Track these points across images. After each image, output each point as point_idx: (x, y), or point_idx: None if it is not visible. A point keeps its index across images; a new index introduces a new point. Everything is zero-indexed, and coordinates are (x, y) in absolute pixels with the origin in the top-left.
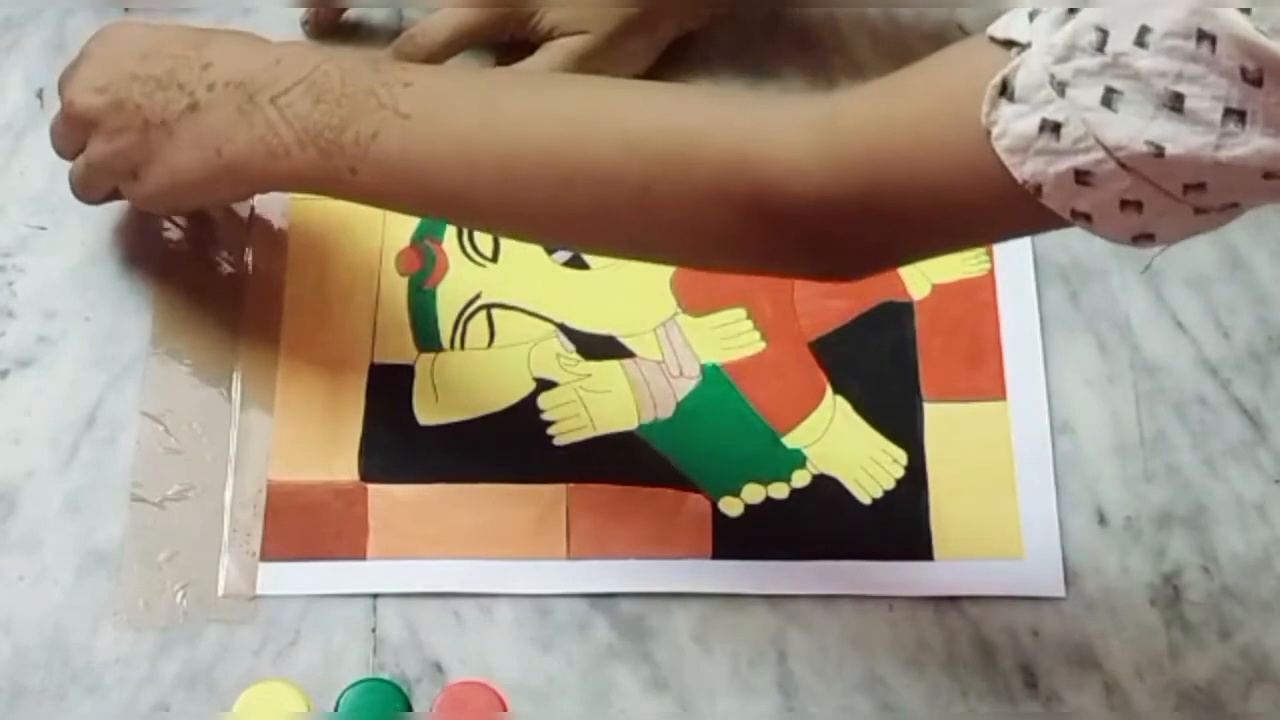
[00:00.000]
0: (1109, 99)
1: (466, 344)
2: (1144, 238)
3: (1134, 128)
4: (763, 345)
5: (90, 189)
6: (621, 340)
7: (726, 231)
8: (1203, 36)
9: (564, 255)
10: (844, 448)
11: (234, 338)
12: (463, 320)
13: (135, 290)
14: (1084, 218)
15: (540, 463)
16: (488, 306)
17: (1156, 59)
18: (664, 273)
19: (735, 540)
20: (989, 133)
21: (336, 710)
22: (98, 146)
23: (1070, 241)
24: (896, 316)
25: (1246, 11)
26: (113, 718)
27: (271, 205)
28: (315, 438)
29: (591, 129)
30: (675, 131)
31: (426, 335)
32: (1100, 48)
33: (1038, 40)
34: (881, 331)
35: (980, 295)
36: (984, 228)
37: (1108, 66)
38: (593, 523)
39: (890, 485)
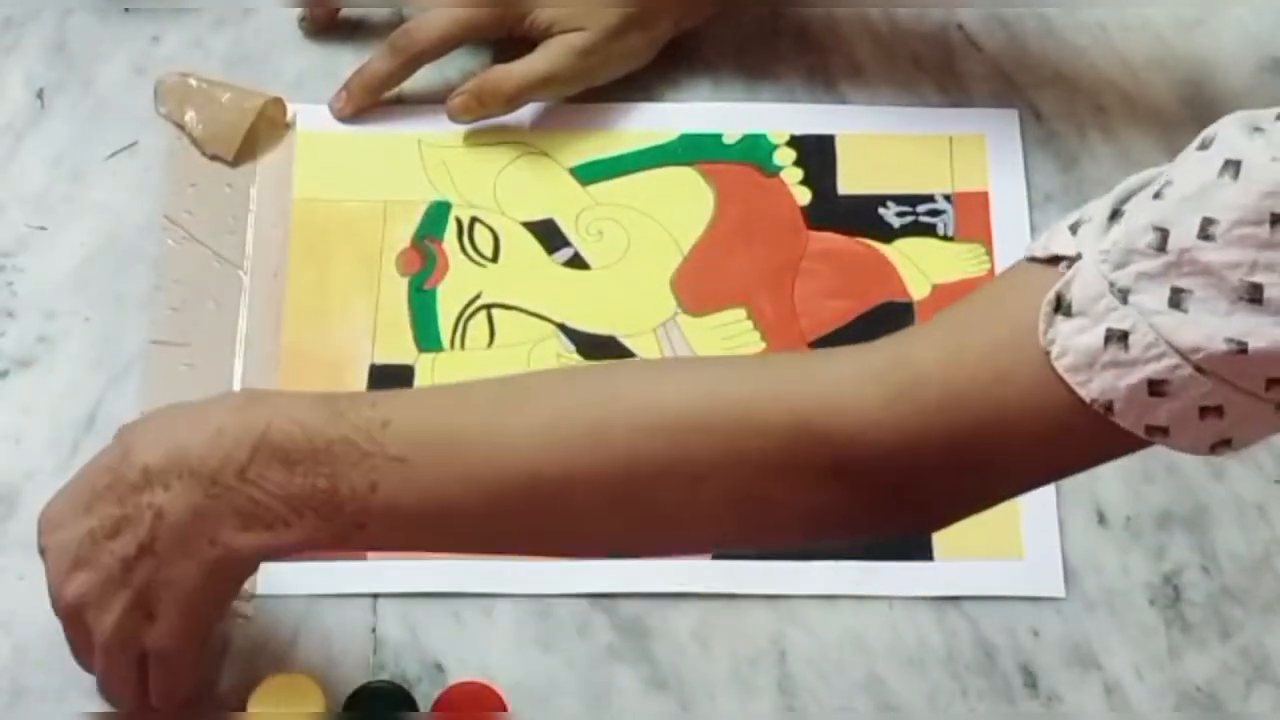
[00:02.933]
0: (1177, 299)
1: (467, 344)
2: (1222, 444)
3: (1210, 327)
4: (763, 345)
5: (117, 676)
6: (621, 340)
7: (804, 502)
8: (1277, 220)
9: (564, 255)
10: None
11: (234, 338)
12: (463, 320)
13: (135, 290)
14: (1160, 432)
15: None
16: (488, 306)
17: (1227, 250)
18: (664, 273)
19: None
20: (1048, 353)
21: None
22: (101, 619)
23: None
24: (896, 316)
25: None
26: (112, 718)
27: (271, 205)
28: None
29: (617, 429)
30: (720, 411)
31: (426, 335)
32: (1161, 247)
33: (1087, 250)
34: (881, 331)
35: None
36: (1061, 460)
37: (1172, 266)
38: None
39: None
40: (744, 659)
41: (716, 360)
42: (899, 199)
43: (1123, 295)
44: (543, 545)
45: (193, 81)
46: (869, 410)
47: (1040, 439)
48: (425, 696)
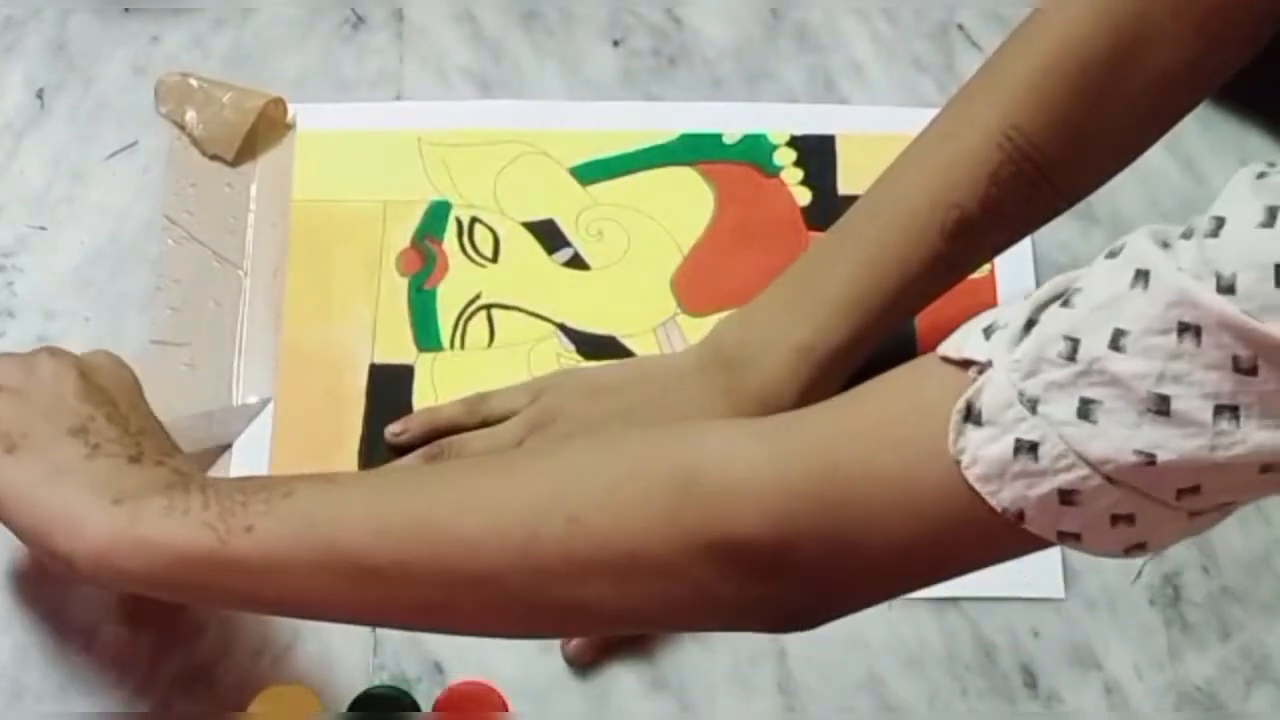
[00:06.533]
0: (1086, 410)
1: (466, 344)
2: (1135, 548)
3: (1119, 438)
4: None
5: None
6: (621, 340)
7: (661, 569)
8: (1184, 329)
9: (564, 255)
10: None
11: (234, 338)
12: (463, 320)
13: (135, 290)
14: (1072, 538)
15: None
16: (488, 306)
17: (1134, 361)
18: (664, 273)
19: None
20: (958, 461)
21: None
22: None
23: (1070, 241)
24: None
25: (1229, 292)
26: (113, 718)
27: (271, 205)
28: (315, 437)
29: (508, 497)
30: (612, 464)
31: (426, 335)
32: (1071, 356)
33: (998, 357)
34: None
35: (980, 295)
36: (958, 558)
37: (1081, 375)
38: None
39: None
40: (744, 659)
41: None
42: None
43: (1032, 405)
44: (398, 617)
45: (193, 81)
46: (752, 475)
47: (944, 539)
48: (425, 696)
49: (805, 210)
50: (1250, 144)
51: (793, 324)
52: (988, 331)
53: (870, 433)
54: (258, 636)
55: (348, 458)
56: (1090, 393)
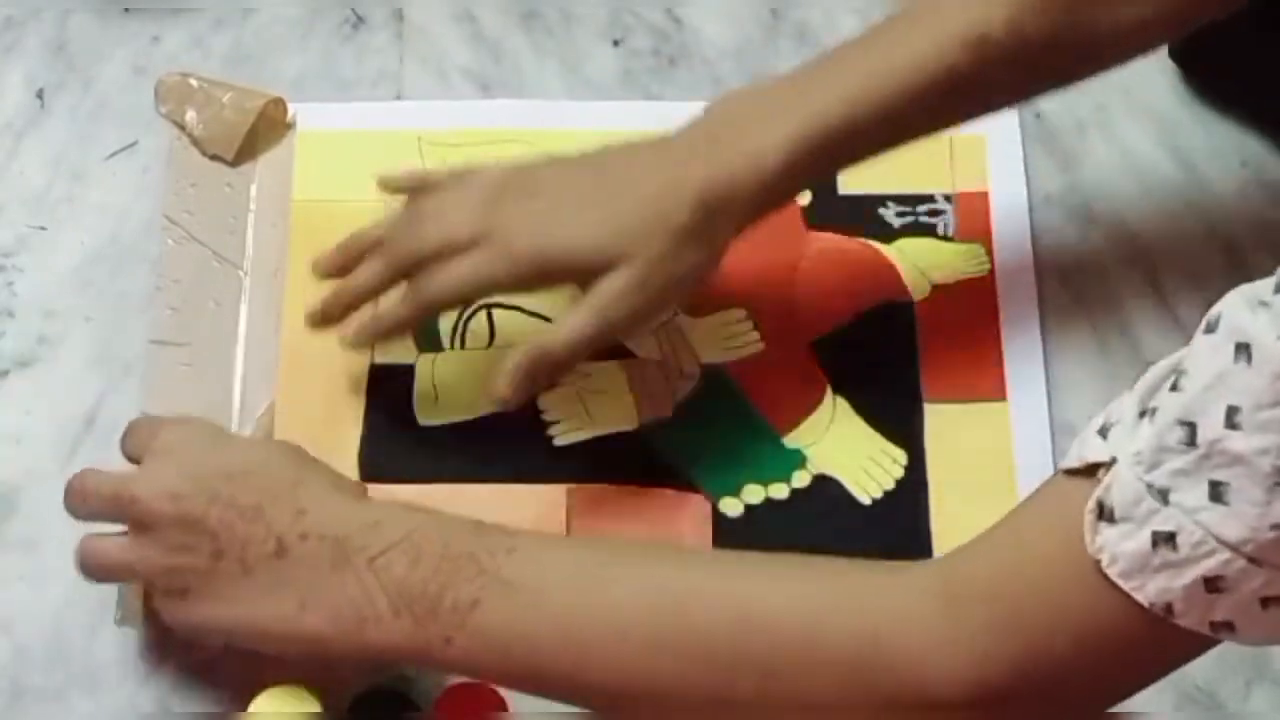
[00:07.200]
0: (1217, 493)
1: (467, 344)
2: None
3: (1253, 516)
4: (763, 345)
5: (106, 576)
6: (621, 340)
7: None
8: None
9: None
10: (844, 448)
11: (234, 338)
12: (463, 320)
13: (135, 290)
14: (1226, 627)
15: (540, 463)
16: (488, 306)
17: (1253, 437)
18: None
19: (735, 540)
20: (1098, 561)
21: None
22: (148, 554)
23: (1070, 241)
24: (896, 317)
25: None
26: (112, 718)
27: (271, 205)
28: (315, 437)
29: (707, 610)
30: (800, 611)
31: (426, 335)
32: (1191, 441)
33: (1120, 453)
34: (882, 332)
35: (980, 295)
36: (1131, 671)
37: (1204, 459)
38: (592, 523)
39: (890, 486)
40: None
41: (804, 561)
42: (899, 199)
43: (1162, 496)
44: (615, 703)
45: (193, 81)
46: (934, 627)
47: (1106, 651)
48: (425, 696)
49: (805, 210)
50: (1251, 147)
51: (798, 98)
52: (1104, 431)
53: (1027, 569)
54: None
55: (348, 458)
56: (1217, 475)
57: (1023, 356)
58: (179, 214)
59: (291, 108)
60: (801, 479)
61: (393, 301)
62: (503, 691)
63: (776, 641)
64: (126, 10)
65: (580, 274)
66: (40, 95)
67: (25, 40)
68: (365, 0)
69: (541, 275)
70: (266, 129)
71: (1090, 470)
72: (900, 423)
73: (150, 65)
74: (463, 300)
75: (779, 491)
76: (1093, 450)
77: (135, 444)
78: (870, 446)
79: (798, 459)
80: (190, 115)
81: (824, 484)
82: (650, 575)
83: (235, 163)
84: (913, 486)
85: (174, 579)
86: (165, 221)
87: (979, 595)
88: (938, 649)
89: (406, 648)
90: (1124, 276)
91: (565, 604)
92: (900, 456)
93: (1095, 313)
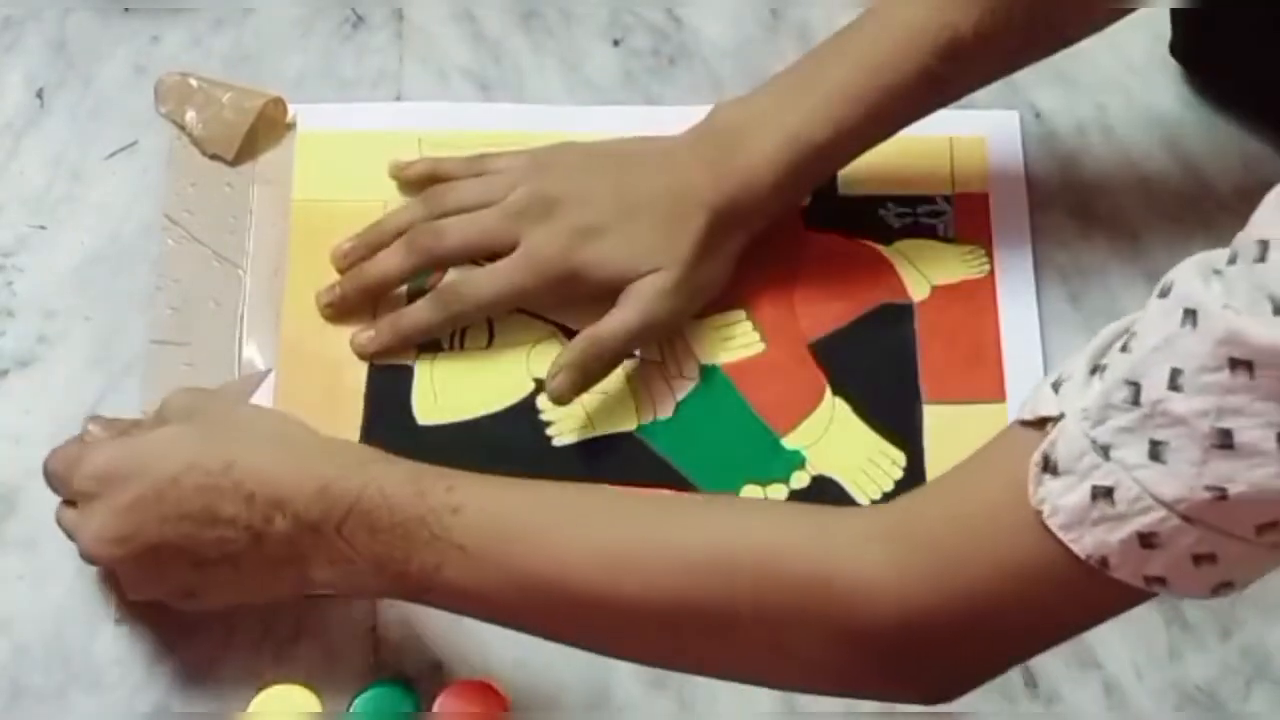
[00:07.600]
0: (1156, 451)
1: (466, 344)
2: (1222, 587)
3: (1189, 476)
4: (762, 346)
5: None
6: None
7: (808, 655)
8: (1236, 364)
9: None
10: (843, 449)
11: (234, 337)
12: None
13: (135, 290)
14: (1158, 582)
15: (540, 463)
16: None
17: (1193, 399)
18: None
19: None
20: (1039, 513)
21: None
22: (136, 584)
23: (1070, 241)
24: (896, 317)
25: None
26: (113, 718)
27: (271, 205)
28: None
29: (655, 555)
30: (752, 549)
31: None
32: (1135, 400)
33: (1069, 408)
34: (881, 333)
35: (980, 296)
36: (1064, 618)
37: (1147, 418)
38: None
39: (889, 487)
40: None
41: (751, 504)
42: (899, 200)
43: (1104, 451)
44: (581, 644)
45: (193, 81)
46: (876, 576)
47: (1043, 599)
48: (425, 695)
49: (805, 210)
50: (1251, 147)
51: (784, 112)
52: (1056, 386)
53: (972, 516)
54: (258, 635)
55: None
56: (1157, 434)
57: (1022, 357)
58: (179, 214)
59: (291, 108)
60: (800, 480)
61: (416, 305)
62: (503, 690)
63: (726, 583)
64: (126, 10)
65: (611, 288)
66: (40, 95)
67: (25, 39)
68: (365, 0)
69: (570, 290)
70: (266, 129)
71: (1040, 423)
72: (899, 423)
73: (150, 65)
74: (491, 313)
75: (778, 492)
76: (1044, 404)
77: (60, 486)
78: (869, 447)
79: (797, 460)
80: (190, 115)
81: (823, 485)
82: (597, 526)
83: (235, 163)
84: (912, 487)
85: (171, 592)
86: (165, 221)
87: (924, 538)
88: (882, 587)
89: (399, 595)
90: (1124, 276)
91: (515, 567)
92: (899, 457)
93: (1095, 313)
